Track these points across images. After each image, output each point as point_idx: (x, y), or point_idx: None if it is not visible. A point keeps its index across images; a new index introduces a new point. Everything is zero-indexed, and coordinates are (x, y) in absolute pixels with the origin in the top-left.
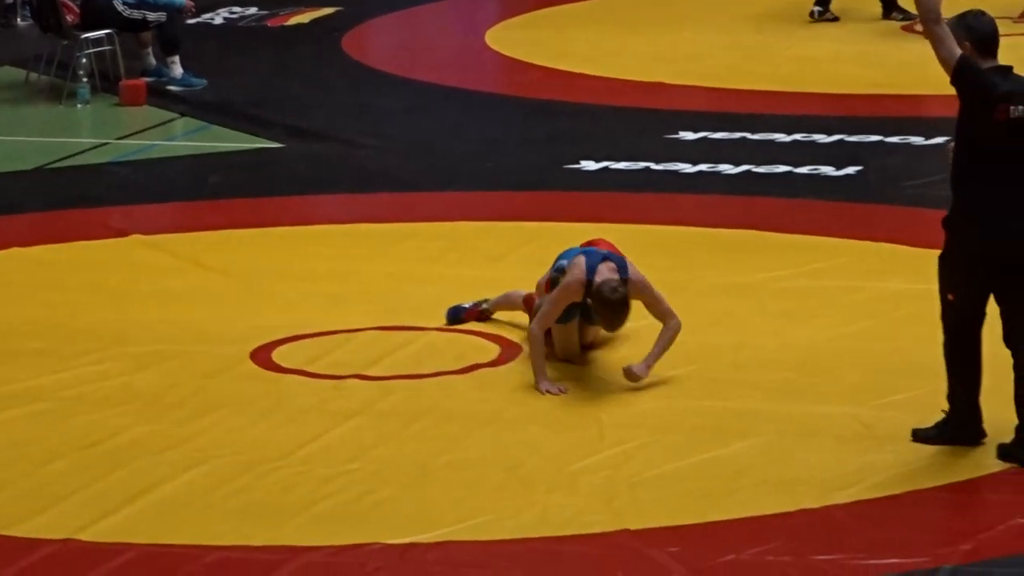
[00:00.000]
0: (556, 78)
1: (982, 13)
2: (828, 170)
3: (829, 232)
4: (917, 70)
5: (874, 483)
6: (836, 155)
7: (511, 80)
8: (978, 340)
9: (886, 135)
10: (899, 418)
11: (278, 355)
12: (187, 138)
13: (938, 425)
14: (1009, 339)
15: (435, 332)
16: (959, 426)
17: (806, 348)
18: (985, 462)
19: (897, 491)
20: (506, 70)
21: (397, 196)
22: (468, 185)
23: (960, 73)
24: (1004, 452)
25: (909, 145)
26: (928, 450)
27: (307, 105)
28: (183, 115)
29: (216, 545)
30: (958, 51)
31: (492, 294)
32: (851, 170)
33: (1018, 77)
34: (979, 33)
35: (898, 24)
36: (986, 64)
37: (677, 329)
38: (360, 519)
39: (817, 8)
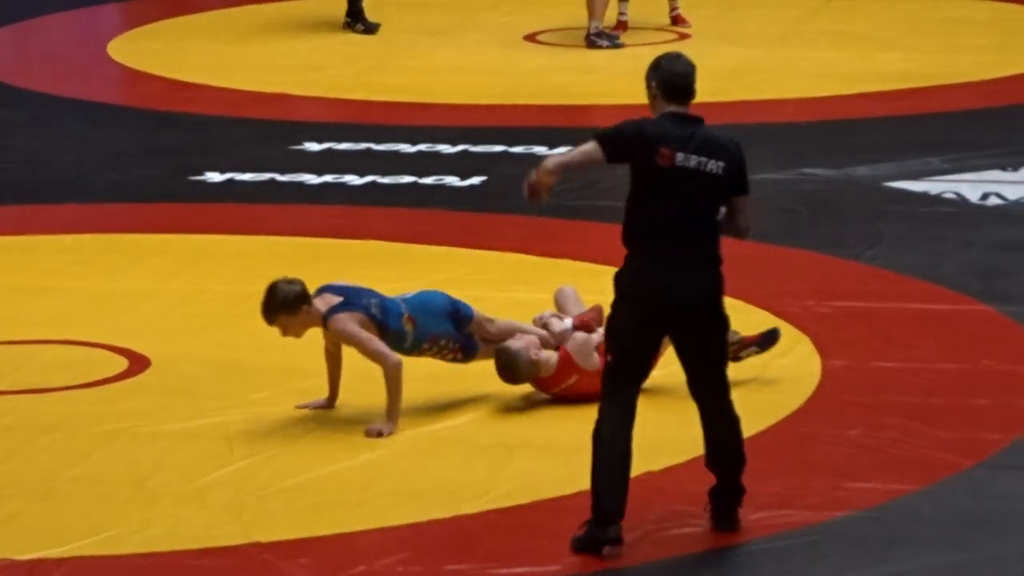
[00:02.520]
0: (178, 89)
1: (679, 56)
2: (453, 180)
3: (455, 242)
4: (541, 79)
5: (503, 492)
6: (461, 165)
7: (133, 91)
8: (631, 413)
9: (510, 145)
10: (527, 429)
11: None
12: None
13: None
14: (694, 389)
15: (60, 346)
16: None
17: None
18: None
19: (526, 500)
20: (128, 81)
21: (18, 208)
22: (92, 197)
23: (609, 147)
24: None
25: (533, 155)
26: (559, 458)
27: None
28: None
29: None
30: (589, 142)
31: (114, 305)
32: (476, 180)
33: (694, 126)
34: (665, 73)
35: (520, 34)
36: (668, 108)
37: (392, 374)
38: None
39: (349, 20)
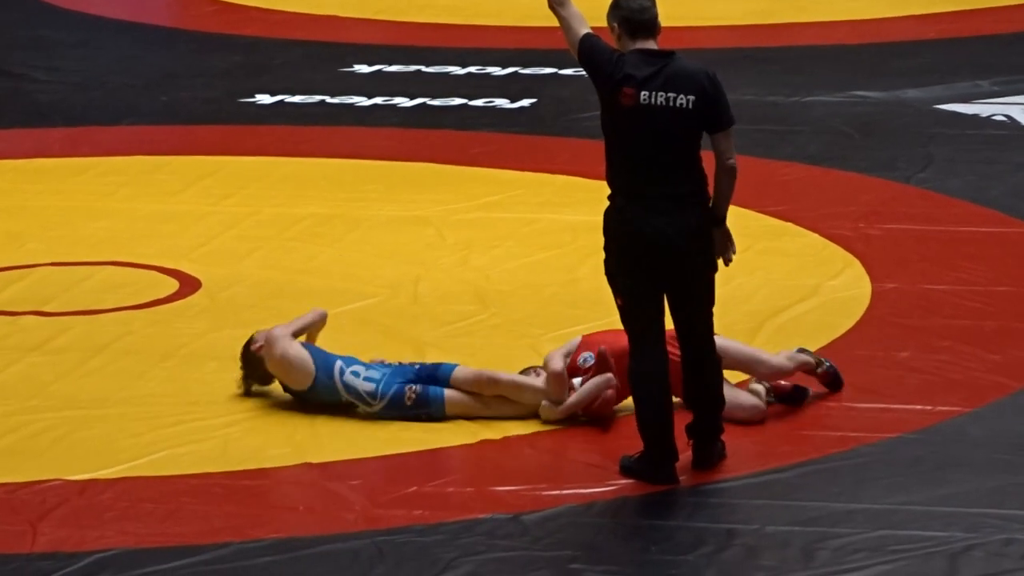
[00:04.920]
0: (229, 12)
1: None
2: (503, 103)
3: (505, 164)
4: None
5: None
6: (510, 87)
7: (185, 13)
8: (662, 352)
9: (560, 67)
10: None
11: None
12: None
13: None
14: (679, 329)
15: (112, 267)
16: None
17: (484, 280)
18: None
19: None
20: (179, 3)
21: (70, 131)
22: (142, 119)
23: (582, 56)
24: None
25: (583, 77)
26: None
27: None
28: None
29: None
30: (583, 32)
31: (165, 227)
32: (525, 102)
33: (662, 61)
34: (624, 11)
35: None
36: (635, 46)
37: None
38: (39, 456)
39: None
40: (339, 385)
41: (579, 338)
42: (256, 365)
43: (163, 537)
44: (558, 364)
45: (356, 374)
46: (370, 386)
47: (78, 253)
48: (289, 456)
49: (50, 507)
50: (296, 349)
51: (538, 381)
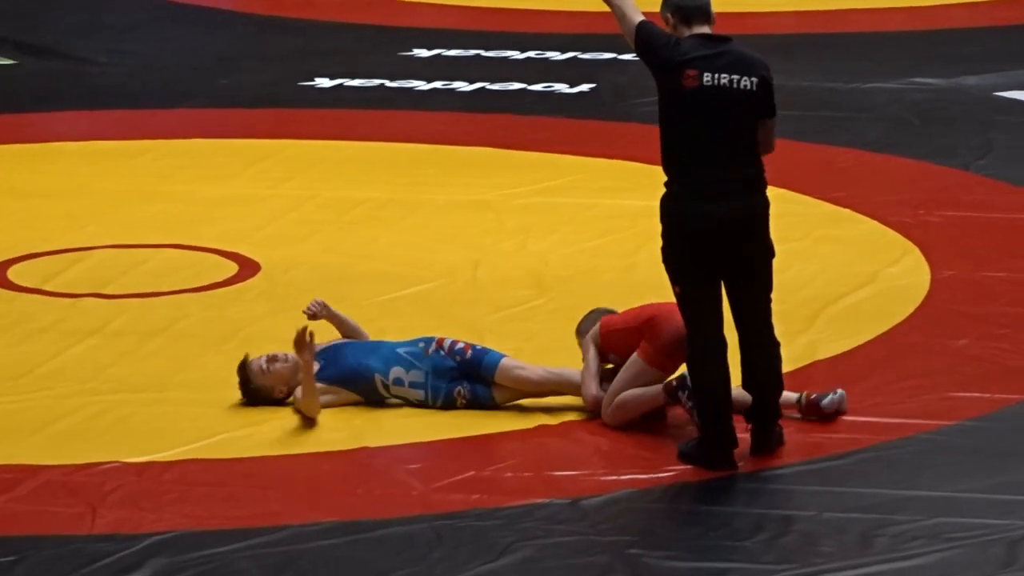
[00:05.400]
0: None
1: None
2: (562, 87)
3: (563, 149)
4: None
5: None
6: (570, 72)
7: None
8: (720, 339)
9: (619, 53)
10: None
11: (13, 273)
12: None
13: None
14: (736, 314)
15: (170, 250)
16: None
17: (542, 265)
18: None
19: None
20: None
21: (129, 113)
22: (201, 102)
23: (640, 42)
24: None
25: (641, 63)
26: None
27: (39, 22)
28: None
29: None
30: (638, 19)
31: (224, 210)
32: (584, 87)
33: (721, 45)
34: (678, 1)
35: None
36: (691, 32)
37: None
38: (97, 438)
39: None
40: (385, 395)
41: (597, 326)
42: (264, 392)
43: (221, 520)
44: (592, 389)
45: (400, 382)
46: (419, 394)
47: (137, 236)
48: (347, 440)
49: (108, 489)
50: (330, 398)
51: (580, 376)
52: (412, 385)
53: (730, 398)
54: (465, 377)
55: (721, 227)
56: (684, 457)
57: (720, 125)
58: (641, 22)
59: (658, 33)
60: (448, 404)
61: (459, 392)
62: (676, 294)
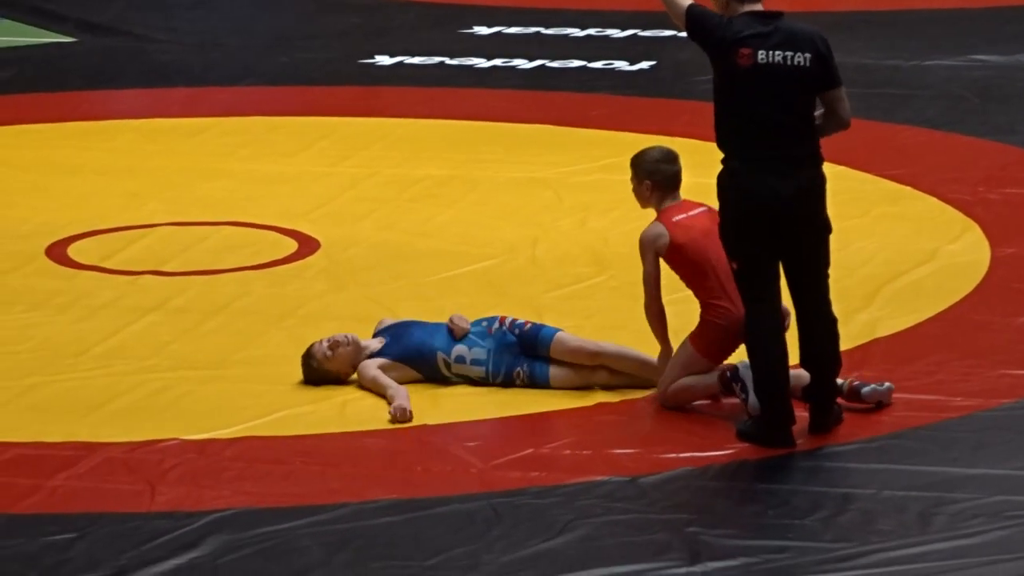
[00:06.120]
0: None
1: None
2: (622, 65)
3: (623, 127)
4: None
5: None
6: (630, 50)
7: None
8: (778, 316)
9: (679, 31)
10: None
11: (73, 251)
12: None
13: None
14: (794, 292)
15: (230, 227)
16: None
17: (602, 243)
18: None
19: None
20: None
21: (189, 91)
22: (261, 80)
23: (692, 24)
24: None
25: None
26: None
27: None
28: None
29: (12, 442)
30: (686, 2)
31: (284, 188)
32: (645, 65)
33: (774, 22)
34: None
35: None
36: (743, 9)
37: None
38: (158, 415)
39: None
40: (446, 374)
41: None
42: (330, 376)
43: (281, 497)
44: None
45: (462, 359)
46: (479, 371)
47: (196, 213)
48: None
49: (168, 466)
50: (393, 374)
51: (636, 352)
52: (474, 362)
53: (787, 375)
54: (525, 354)
55: (778, 202)
56: (742, 435)
57: (775, 102)
58: (691, 4)
59: (709, 14)
60: (507, 383)
61: (518, 373)
62: (733, 270)
